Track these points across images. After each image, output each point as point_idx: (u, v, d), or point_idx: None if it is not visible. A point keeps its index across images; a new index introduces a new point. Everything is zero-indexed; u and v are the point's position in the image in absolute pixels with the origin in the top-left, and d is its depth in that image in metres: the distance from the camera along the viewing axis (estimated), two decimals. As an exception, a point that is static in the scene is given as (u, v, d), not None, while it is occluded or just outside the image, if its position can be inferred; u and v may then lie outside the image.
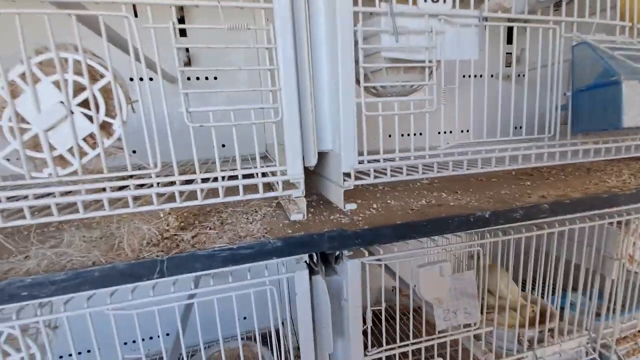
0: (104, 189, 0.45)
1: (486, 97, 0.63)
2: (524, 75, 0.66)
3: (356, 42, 0.53)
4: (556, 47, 0.63)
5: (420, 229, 0.54)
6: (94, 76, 0.44)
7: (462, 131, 1.32)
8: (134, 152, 0.70)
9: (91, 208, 0.48)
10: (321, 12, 0.55)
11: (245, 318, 1.18)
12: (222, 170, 0.50)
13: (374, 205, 0.66)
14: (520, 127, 0.67)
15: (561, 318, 0.82)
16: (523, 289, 0.96)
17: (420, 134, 1.17)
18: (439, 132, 1.24)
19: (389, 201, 0.70)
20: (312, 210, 0.64)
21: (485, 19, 0.58)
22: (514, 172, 0.97)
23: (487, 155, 0.61)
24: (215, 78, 1.08)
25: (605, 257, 0.76)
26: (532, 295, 0.86)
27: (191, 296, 0.55)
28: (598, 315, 0.82)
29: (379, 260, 0.59)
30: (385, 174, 0.58)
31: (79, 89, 0.44)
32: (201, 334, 0.55)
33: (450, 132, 1.24)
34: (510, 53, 1.26)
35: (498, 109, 0.66)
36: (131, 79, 0.97)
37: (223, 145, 1.11)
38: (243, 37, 0.50)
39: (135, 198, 0.47)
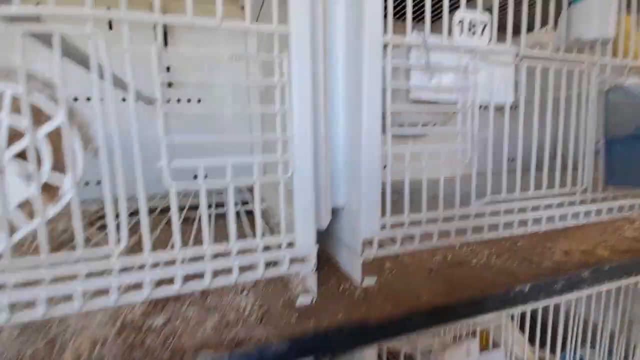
0: (39, 283, 0.31)
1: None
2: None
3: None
4: (591, 91, 0.57)
5: (458, 312, 0.43)
6: (38, 116, 0.31)
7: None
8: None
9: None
10: (339, 39, 0.45)
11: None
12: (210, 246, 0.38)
13: (387, 265, 0.55)
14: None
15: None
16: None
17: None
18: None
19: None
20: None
21: (522, 57, 0.50)
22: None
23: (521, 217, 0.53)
24: (199, 101, 0.96)
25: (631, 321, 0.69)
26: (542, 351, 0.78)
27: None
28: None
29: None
30: (413, 239, 0.47)
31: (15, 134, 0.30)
32: None
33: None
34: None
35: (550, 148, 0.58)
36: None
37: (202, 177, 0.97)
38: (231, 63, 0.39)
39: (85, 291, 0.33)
